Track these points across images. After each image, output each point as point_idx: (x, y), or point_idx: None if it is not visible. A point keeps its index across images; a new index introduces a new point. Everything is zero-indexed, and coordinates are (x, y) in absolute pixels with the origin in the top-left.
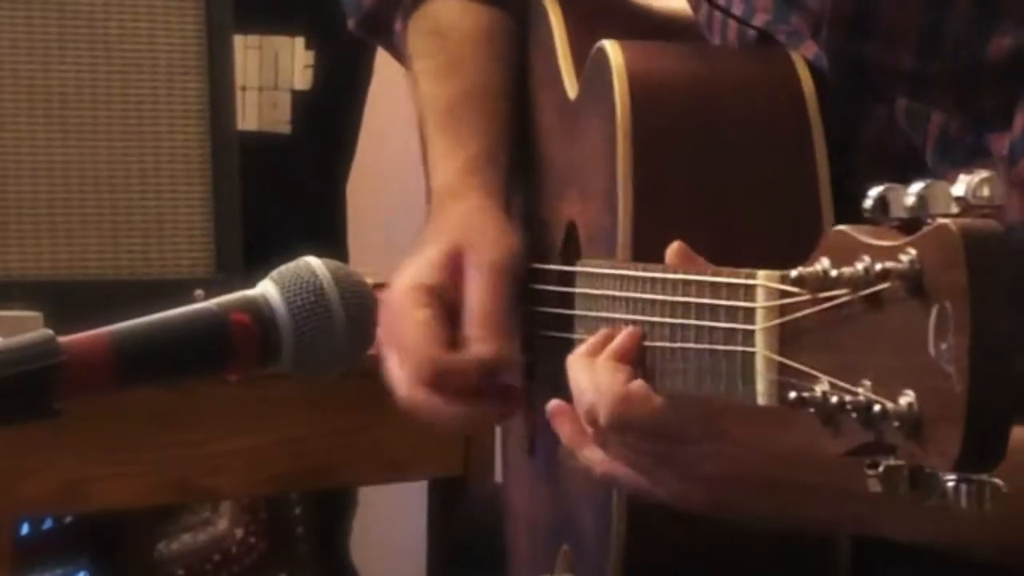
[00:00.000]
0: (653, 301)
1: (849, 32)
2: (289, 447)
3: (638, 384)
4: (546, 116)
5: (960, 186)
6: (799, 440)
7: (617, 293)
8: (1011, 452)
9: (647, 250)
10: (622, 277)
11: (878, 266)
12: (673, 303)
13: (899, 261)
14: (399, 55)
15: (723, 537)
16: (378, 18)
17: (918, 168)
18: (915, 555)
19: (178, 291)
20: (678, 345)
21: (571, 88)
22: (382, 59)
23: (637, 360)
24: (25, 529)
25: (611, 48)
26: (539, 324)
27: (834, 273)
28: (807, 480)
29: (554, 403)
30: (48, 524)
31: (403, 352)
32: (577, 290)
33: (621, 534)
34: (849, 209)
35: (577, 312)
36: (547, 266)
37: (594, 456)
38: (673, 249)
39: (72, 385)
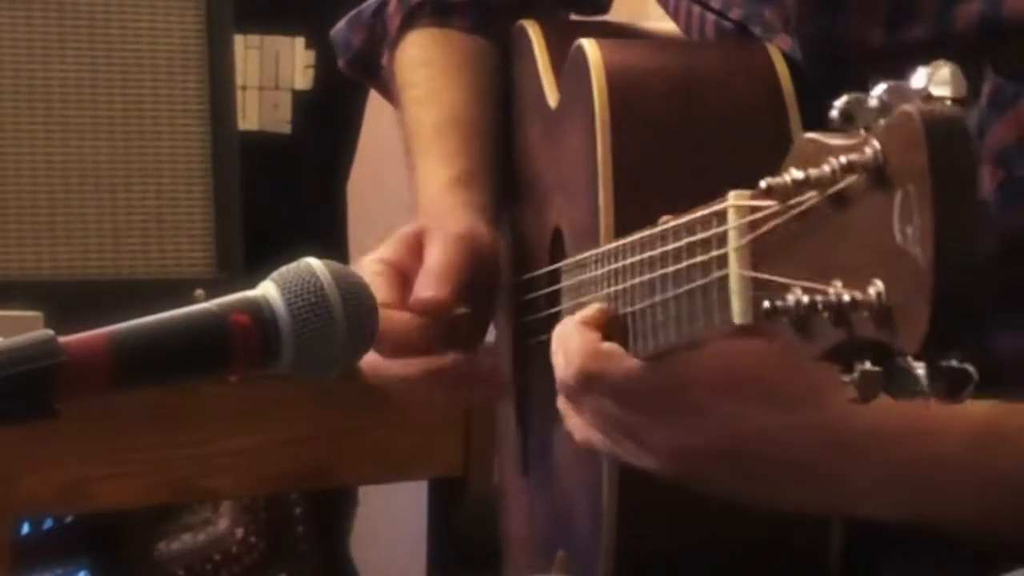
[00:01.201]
0: (632, 264)
1: (820, 8)
2: (289, 447)
3: (609, 344)
4: (531, 133)
5: (921, 77)
6: (776, 417)
7: (599, 272)
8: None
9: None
10: (602, 255)
11: (843, 159)
12: (651, 258)
13: (863, 153)
14: (388, 93)
15: (715, 538)
16: (367, 57)
17: None
18: (908, 548)
19: (178, 291)
20: (658, 298)
21: (552, 98)
22: None
23: (604, 325)
24: (25, 529)
25: (588, 45)
26: (531, 333)
27: (801, 176)
28: (783, 458)
29: None
30: (48, 524)
31: None
32: (563, 285)
33: (611, 534)
34: None
35: (564, 306)
36: (534, 273)
37: (574, 423)
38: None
39: (72, 385)
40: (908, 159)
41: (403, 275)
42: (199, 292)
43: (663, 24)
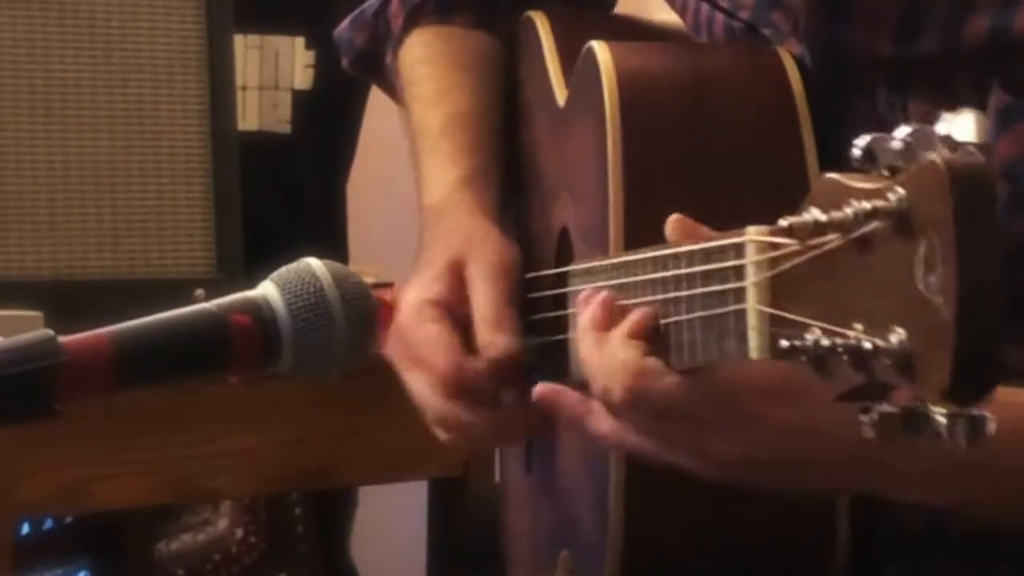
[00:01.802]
0: (644, 282)
1: (828, 18)
2: (289, 447)
3: (652, 360)
4: (538, 130)
5: (944, 125)
6: (819, 417)
7: (607, 282)
8: None
9: (638, 241)
10: (612, 266)
11: (866, 205)
12: (665, 279)
13: (887, 200)
14: (391, 91)
15: (721, 540)
16: (370, 55)
17: None
18: (912, 548)
19: (178, 291)
20: (671, 319)
21: (560, 96)
22: None
23: (652, 338)
24: (25, 529)
25: (599, 47)
26: (535, 333)
27: (824, 218)
28: (826, 455)
29: (544, 387)
30: (48, 524)
31: (423, 368)
32: (569, 289)
33: (618, 533)
34: None
35: (570, 311)
36: (540, 273)
37: (601, 427)
38: (672, 224)
39: (72, 385)
40: (933, 209)
41: (456, 315)
42: (199, 292)
43: (669, 16)
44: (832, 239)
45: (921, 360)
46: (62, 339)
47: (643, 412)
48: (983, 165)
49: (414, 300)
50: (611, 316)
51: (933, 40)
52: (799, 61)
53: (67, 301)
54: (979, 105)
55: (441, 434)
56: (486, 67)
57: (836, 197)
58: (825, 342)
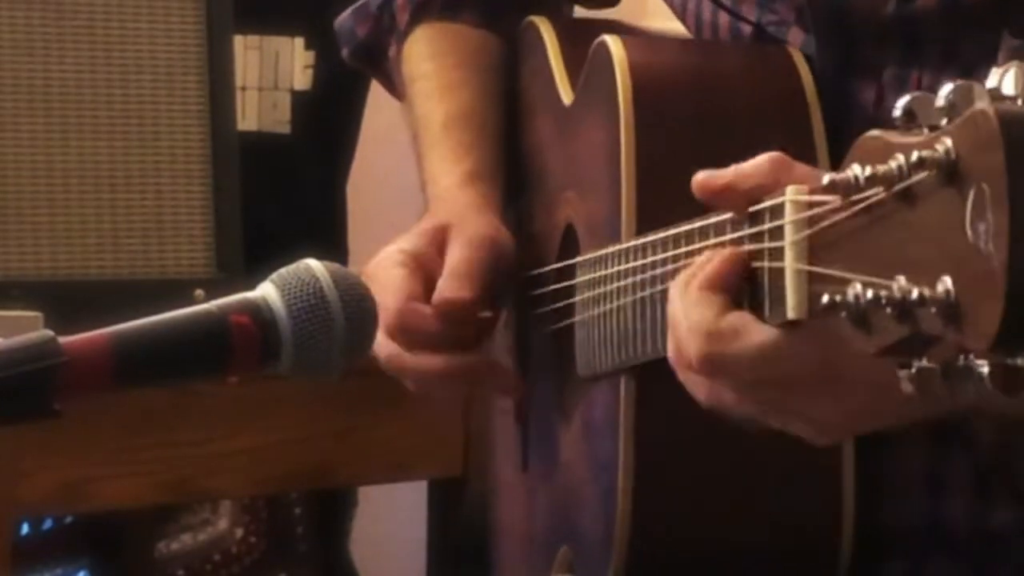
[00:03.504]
0: (665, 258)
1: None
2: (289, 447)
3: (734, 317)
4: (541, 131)
5: (992, 79)
6: None
7: (624, 265)
8: None
9: (650, 230)
10: (625, 251)
11: (914, 155)
12: (689, 252)
13: (934, 150)
14: (390, 84)
15: (726, 540)
16: (372, 47)
17: None
18: (914, 548)
19: (178, 291)
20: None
21: (566, 95)
22: None
23: (736, 287)
24: (25, 529)
25: (612, 41)
26: (536, 327)
27: (868, 172)
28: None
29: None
30: (48, 524)
31: (380, 311)
32: (578, 279)
33: (625, 532)
34: None
35: (577, 299)
36: (544, 269)
37: (695, 381)
38: (769, 157)
39: (72, 386)
40: (982, 158)
41: (425, 269)
42: (199, 292)
43: (669, 24)
44: (875, 192)
45: (969, 308)
46: (62, 339)
47: (724, 376)
48: None
49: (388, 248)
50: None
51: None
52: (805, 53)
53: (67, 301)
54: (988, 59)
55: (386, 368)
56: (490, 66)
57: (879, 152)
58: (868, 295)
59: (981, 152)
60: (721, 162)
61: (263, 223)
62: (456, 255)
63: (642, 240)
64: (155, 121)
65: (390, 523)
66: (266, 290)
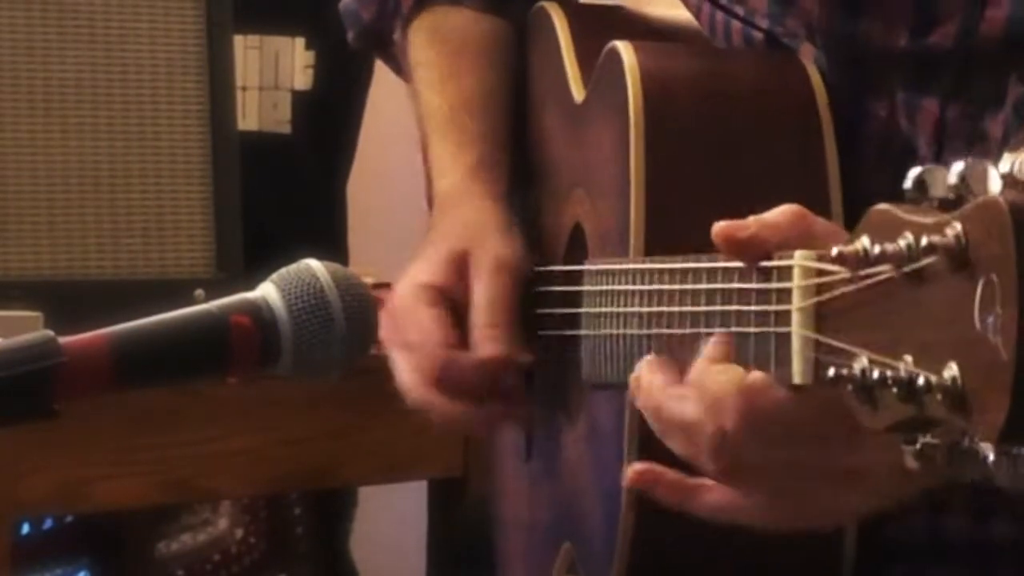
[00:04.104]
0: (672, 291)
1: (843, 11)
2: (289, 447)
3: (757, 374)
4: (550, 121)
5: (1006, 163)
6: None
7: (631, 287)
8: None
9: (659, 246)
10: (633, 271)
11: (924, 240)
12: (695, 291)
13: (944, 235)
14: (397, 66)
15: (728, 541)
16: (377, 30)
17: (920, 164)
18: (915, 556)
19: (178, 291)
20: (702, 330)
21: (577, 92)
22: None
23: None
24: (25, 529)
25: (624, 48)
26: (540, 326)
27: (876, 250)
28: None
29: (642, 470)
30: (48, 524)
31: (411, 352)
32: (586, 288)
33: (628, 534)
34: (855, 210)
35: (584, 310)
36: (552, 268)
37: (710, 501)
38: (789, 212)
39: (72, 386)
40: (993, 248)
41: (451, 300)
42: (199, 292)
43: (680, 12)
44: (884, 270)
45: (975, 398)
46: (62, 339)
47: (764, 436)
48: None
49: (412, 282)
50: (669, 370)
51: (949, 32)
52: (818, 67)
53: (67, 301)
54: (996, 100)
55: (413, 407)
56: (496, 52)
57: (889, 228)
58: (874, 373)
59: (992, 242)
60: (731, 175)
61: (263, 223)
62: (482, 294)
63: (650, 265)
64: (155, 121)
65: (390, 523)
66: (266, 290)
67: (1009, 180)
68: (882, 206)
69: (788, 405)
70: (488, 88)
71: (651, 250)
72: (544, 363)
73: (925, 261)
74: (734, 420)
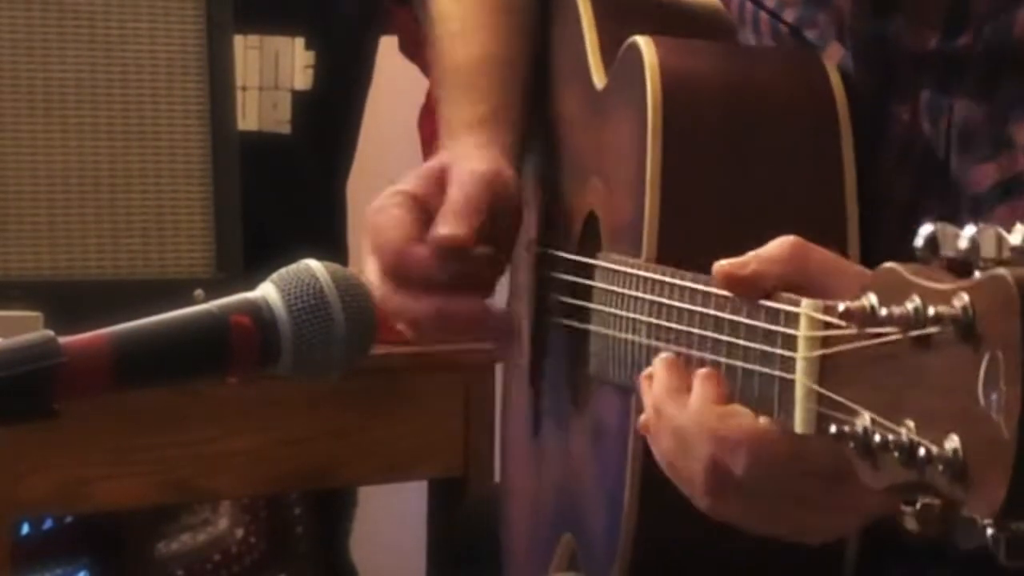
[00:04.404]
0: (682, 310)
1: (874, 10)
2: (289, 447)
3: (763, 421)
4: (571, 106)
5: (1017, 235)
6: None
7: (642, 294)
8: None
9: (672, 249)
10: (644, 280)
11: (930, 310)
12: (704, 315)
13: (951, 306)
14: (418, 22)
15: (730, 543)
16: None
17: (940, 168)
18: (915, 562)
19: (178, 291)
20: (708, 356)
21: (598, 78)
22: (382, 59)
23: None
24: (25, 529)
25: (644, 44)
26: (551, 311)
27: (883, 312)
28: None
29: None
30: (48, 524)
31: (375, 249)
32: (597, 284)
33: (631, 532)
34: (873, 212)
35: (594, 306)
36: (566, 255)
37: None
38: (787, 245)
39: (72, 386)
40: (999, 325)
41: (425, 209)
42: (199, 292)
43: None
44: (891, 331)
45: (976, 473)
46: (62, 339)
47: (770, 480)
48: None
49: (388, 190)
50: (683, 378)
51: (980, 35)
52: (842, 69)
53: (67, 301)
54: (1023, 105)
55: (385, 312)
56: (520, 16)
57: (897, 289)
58: (876, 436)
59: (998, 318)
60: (746, 176)
61: (263, 223)
62: (454, 193)
63: (664, 278)
64: (155, 121)
65: (390, 523)
66: (266, 290)
67: (1019, 252)
68: (890, 265)
69: (798, 447)
70: (506, 51)
71: (664, 253)
72: (553, 346)
73: (931, 329)
74: (743, 467)
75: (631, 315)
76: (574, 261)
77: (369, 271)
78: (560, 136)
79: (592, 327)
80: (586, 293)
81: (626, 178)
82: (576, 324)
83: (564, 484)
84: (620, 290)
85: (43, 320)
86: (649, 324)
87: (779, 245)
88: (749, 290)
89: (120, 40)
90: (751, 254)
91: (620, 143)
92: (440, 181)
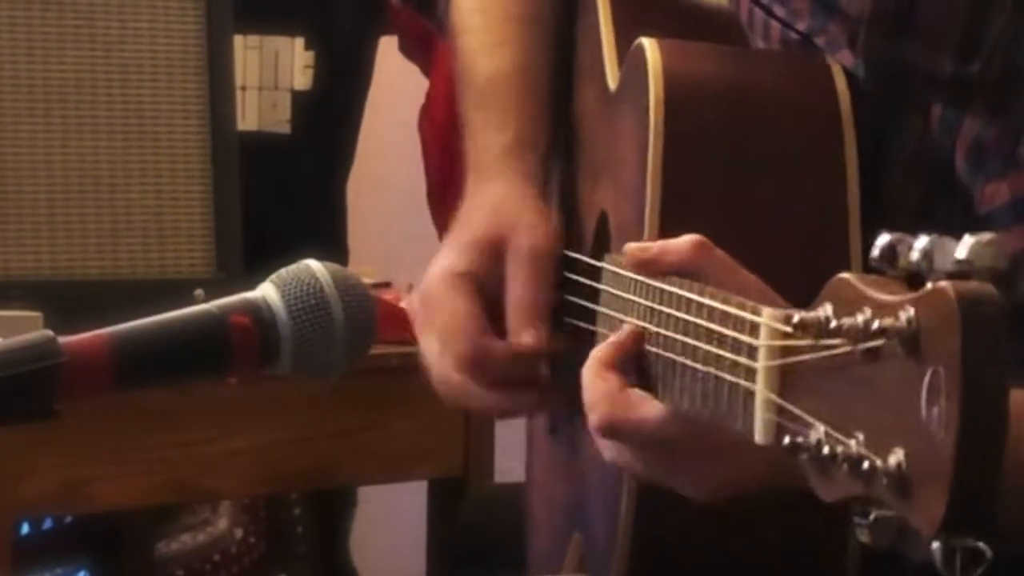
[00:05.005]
0: (664, 314)
1: (888, 32)
2: (289, 447)
3: (630, 392)
4: (587, 103)
5: (963, 248)
6: None
7: (634, 298)
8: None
9: None
10: (642, 285)
11: (876, 323)
12: (679, 319)
13: (897, 318)
14: (442, 30)
15: (731, 547)
16: None
17: (950, 181)
18: (915, 565)
19: (178, 291)
20: (683, 360)
21: (612, 79)
22: (382, 59)
23: (624, 367)
24: (25, 529)
25: (649, 47)
26: (566, 311)
27: (834, 323)
28: None
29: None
30: (48, 524)
31: (443, 339)
32: (601, 286)
33: (627, 534)
34: (881, 221)
35: (600, 308)
36: (578, 256)
37: (606, 449)
38: (692, 240)
39: (72, 385)
40: (941, 338)
41: (487, 290)
42: (199, 292)
43: None
44: (841, 343)
45: (917, 487)
46: (62, 339)
47: (622, 442)
48: (995, 299)
49: (447, 268)
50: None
51: (994, 61)
52: (850, 74)
53: (67, 301)
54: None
55: (441, 393)
56: (541, 22)
57: (850, 301)
58: (826, 448)
59: (940, 332)
60: (747, 181)
61: (263, 223)
62: (517, 284)
63: (650, 282)
64: (155, 121)
65: (390, 523)
66: (266, 290)
67: (966, 266)
68: (845, 276)
69: (644, 426)
70: (529, 63)
71: None
72: (570, 346)
73: (878, 341)
74: (593, 421)
75: (628, 318)
76: (585, 262)
77: (432, 356)
78: (579, 135)
79: (598, 329)
80: (594, 295)
81: (629, 179)
82: (586, 325)
83: (576, 484)
84: (620, 293)
85: (43, 320)
86: (647, 335)
87: (685, 239)
88: (647, 270)
89: (120, 40)
90: (658, 243)
91: (627, 145)
92: (496, 256)
